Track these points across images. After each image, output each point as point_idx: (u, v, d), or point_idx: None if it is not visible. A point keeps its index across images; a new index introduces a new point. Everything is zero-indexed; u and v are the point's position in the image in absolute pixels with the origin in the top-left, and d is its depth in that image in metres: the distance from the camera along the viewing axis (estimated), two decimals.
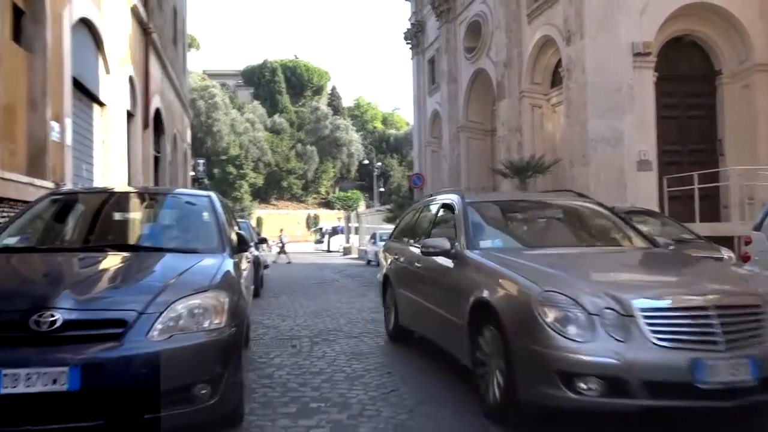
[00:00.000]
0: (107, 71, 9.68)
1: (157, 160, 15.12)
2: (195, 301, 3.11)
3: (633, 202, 10.74)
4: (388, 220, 22.36)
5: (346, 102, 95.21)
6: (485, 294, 3.83)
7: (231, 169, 70.14)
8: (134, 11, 11.43)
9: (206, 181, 68.70)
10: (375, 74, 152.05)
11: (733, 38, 12.74)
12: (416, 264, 5.47)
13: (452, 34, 19.36)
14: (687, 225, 8.81)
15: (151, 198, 5.35)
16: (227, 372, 3.10)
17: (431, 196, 7.04)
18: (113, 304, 3.02)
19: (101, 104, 9.66)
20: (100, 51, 9.41)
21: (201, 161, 28.93)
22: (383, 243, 23.80)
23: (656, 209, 10.98)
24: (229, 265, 3.84)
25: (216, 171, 69.97)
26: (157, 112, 14.31)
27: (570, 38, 12.23)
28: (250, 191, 72.13)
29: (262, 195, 75.49)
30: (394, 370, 5.18)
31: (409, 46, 23.85)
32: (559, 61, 13.88)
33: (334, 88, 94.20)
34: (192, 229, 4.70)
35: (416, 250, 5.42)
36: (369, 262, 26.26)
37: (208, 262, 3.74)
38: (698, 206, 11.27)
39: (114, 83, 9.96)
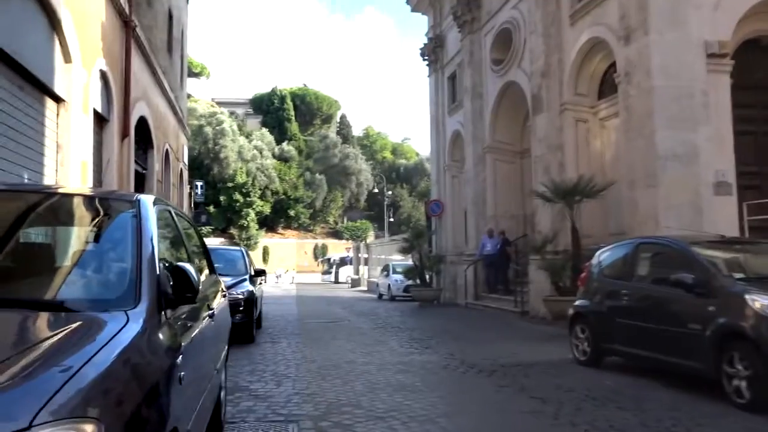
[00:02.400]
0: (67, 59, 7.76)
1: (142, 176, 13.14)
2: None
3: (711, 231, 8.61)
4: (404, 251, 20.25)
5: (356, 131, 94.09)
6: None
7: (238, 196, 68.41)
8: None
9: (211, 208, 67.16)
10: (384, 104, 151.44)
11: None
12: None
13: (477, 45, 17.52)
14: None
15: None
16: None
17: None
18: None
19: (57, 99, 7.72)
20: (57, 33, 7.50)
21: (199, 183, 26.96)
22: (397, 276, 21.80)
23: None
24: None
25: (222, 198, 68.29)
26: (142, 121, 12.39)
27: (629, 36, 10.26)
28: (256, 219, 70.29)
29: (269, 223, 73.62)
30: None
31: (426, 62, 22.06)
32: (610, 67, 11.92)
33: (343, 116, 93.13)
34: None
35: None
36: (381, 296, 24.12)
37: None
38: None
39: (77, 76, 8.04)
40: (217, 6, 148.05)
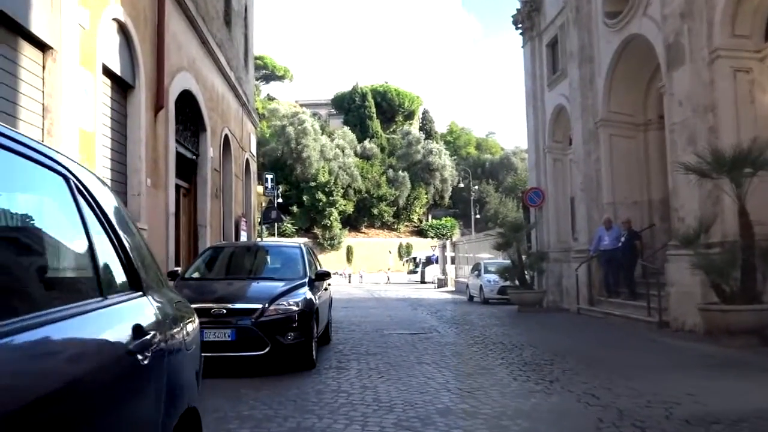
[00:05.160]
0: None
1: (191, 162, 11.25)
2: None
3: None
4: (499, 247, 17.52)
5: (439, 127, 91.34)
6: None
7: (320, 195, 67.56)
8: None
9: (294, 208, 66.48)
10: (468, 99, 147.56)
11: None
12: None
13: None
14: None
15: None
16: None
17: None
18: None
19: (41, 47, 5.75)
20: None
21: (269, 176, 25.01)
22: (490, 276, 19.09)
23: None
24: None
25: (305, 198, 67.64)
26: (189, 97, 10.48)
27: None
28: (339, 219, 69.15)
29: (352, 223, 72.35)
30: None
31: (520, 31, 19.21)
32: None
33: (426, 112, 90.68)
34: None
35: None
36: (471, 298, 21.47)
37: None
38: None
39: (71, 17, 6.05)
40: (299, 8, 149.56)
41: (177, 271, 7.82)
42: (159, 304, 2.05)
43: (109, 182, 7.32)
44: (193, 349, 2.39)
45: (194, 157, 11.30)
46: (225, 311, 6.36)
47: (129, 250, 1.94)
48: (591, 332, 10.95)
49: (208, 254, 8.43)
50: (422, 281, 42.16)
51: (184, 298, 6.51)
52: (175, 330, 2.13)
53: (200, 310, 6.49)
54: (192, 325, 2.52)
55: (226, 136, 13.63)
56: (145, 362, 1.67)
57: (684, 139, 10.22)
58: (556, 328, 11.77)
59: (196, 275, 7.76)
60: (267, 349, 6.35)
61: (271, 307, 6.54)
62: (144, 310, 1.88)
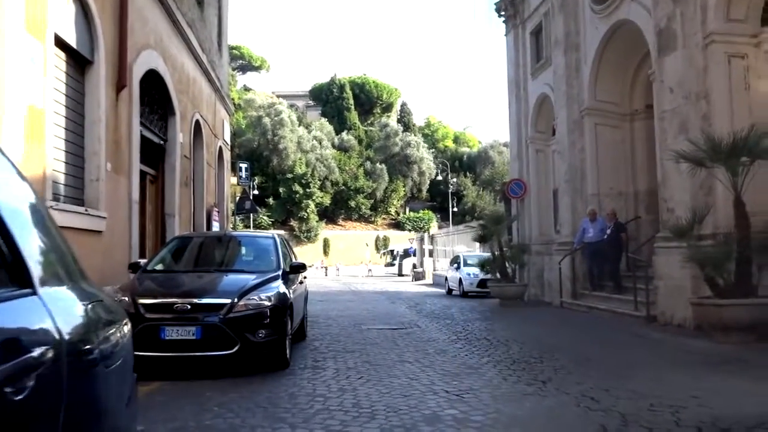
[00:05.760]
0: None
1: (159, 147, 10.59)
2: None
3: None
4: (480, 240, 17.09)
5: (417, 120, 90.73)
6: None
7: (297, 187, 66.65)
8: None
9: (270, 200, 65.52)
10: (444, 93, 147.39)
11: None
12: None
13: None
14: None
15: None
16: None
17: None
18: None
19: None
20: None
21: (244, 165, 24.18)
22: (469, 269, 18.70)
23: None
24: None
25: (281, 190, 66.66)
26: (156, 78, 9.81)
27: None
28: (316, 211, 68.35)
29: (329, 215, 71.58)
30: None
31: (503, 18, 18.76)
32: None
33: (404, 104, 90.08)
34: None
35: None
36: (450, 291, 21.06)
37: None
38: None
39: None
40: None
41: (139, 263, 7.22)
42: (60, 306, 1.49)
43: (62, 165, 6.69)
44: (117, 366, 1.82)
45: (162, 142, 10.63)
46: (189, 306, 5.80)
47: (13, 237, 1.37)
48: (577, 327, 10.58)
49: (174, 245, 7.82)
50: (399, 274, 41.82)
51: (145, 291, 5.96)
52: (88, 341, 1.58)
53: (162, 306, 5.94)
54: (120, 333, 1.96)
55: (197, 121, 12.95)
56: (20, 397, 1.12)
57: (675, 127, 9.85)
58: (540, 323, 11.38)
59: (159, 267, 7.16)
60: (236, 348, 5.80)
61: (241, 302, 5.99)
62: (28, 314, 1.34)
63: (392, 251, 49.83)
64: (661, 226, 10.47)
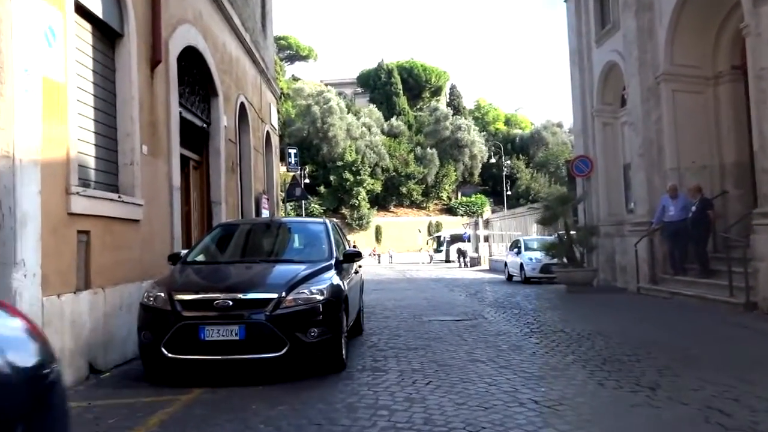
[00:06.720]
0: None
1: (202, 131, 9.98)
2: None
3: None
4: (544, 222, 15.96)
5: (466, 103, 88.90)
6: None
7: (348, 175, 66.28)
8: None
9: (322, 188, 65.31)
10: (494, 75, 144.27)
11: None
12: None
13: None
14: None
15: None
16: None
17: None
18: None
19: None
20: None
21: (293, 151, 23.56)
22: (531, 253, 17.61)
23: None
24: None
25: (332, 178, 66.41)
26: (194, 55, 9.15)
27: None
28: (367, 198, 67.85)
29: (380, 202, 70.97)
30: None
31: None
32: None
33: (453, 87, 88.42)
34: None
35: None
36: (510, 277, 20.00)
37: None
38: None
39: None
40: None
41: (179, 253, 6.56)
42: None
43: (92, 148, 6.07)
44: None
45: (205, 125, 10.00)
46: (232, 303, 5.07)
47: None
48: (664, 316, 9.44)
49: (218, 233, 7.14)
50: (447, 260, 40.87)
51: (183, 286, 5.24)
52: None
53: (202, 302, 5.22)
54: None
55: (242, 104, 12.31)
56: None
57: None
58: (619, 312, 10.30)
59: (201, 258, 6.49)
60: (285, 350, 5.05)
61: (290, 297, 5.23)
62: None
63: (439, 237, 48.94)
64: (760, 200, 9.20)
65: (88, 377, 5.43)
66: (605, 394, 4.67)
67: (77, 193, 5.31)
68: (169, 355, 5.02)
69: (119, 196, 6.22)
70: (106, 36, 6.46)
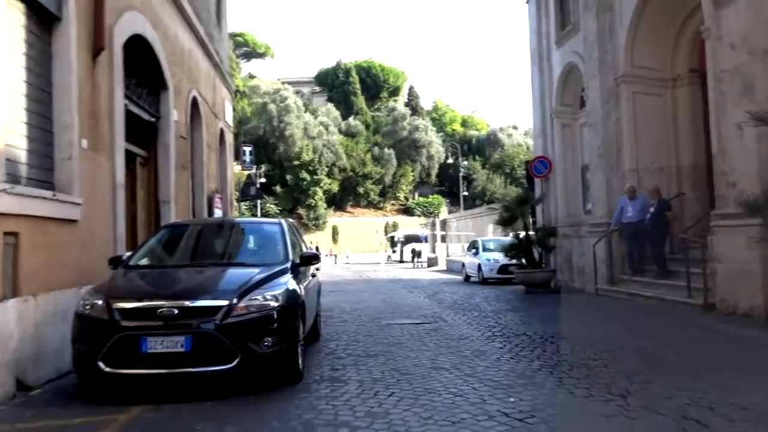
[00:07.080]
0: None
1: (150, 126, 9.43)
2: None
3: None
4: (504, 222, 15.83)
5: (424, 104, 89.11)
6: None
7: (304, 174, 65.52)
8: None
9: (278, 188, 64.36)
10: (451, 77, 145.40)
11: None
12: None
13: None
14: None
15: None
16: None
17: None
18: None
19: None
20: None
21: (248, 149, 22.99)
22: (488, 254, 17.51)
23: None
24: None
25: (288, 177, 65.53)
26: (141, 44, 8.61)
27: None
28: (324, 198, 67.23)
29: (337, 202, 70.43)
30: None
31: None
32: None
33: (411, 88, 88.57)
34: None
35: None
36: (468, 277, 19.88)
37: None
38: None
39: None
40: None
41: (121, 257, 6.07)
42: None
43: (24, 141, 5.53)
44: None
45: (153, 119, 9.45)
46: (177, 311, 4.64)
47: None
48: (625, 318, 9.39)
49: (164, 234, 6.66)
50: (401, 260, 40.88)
51: (123, 293, 4.77)
52: None
53: (144, 311, 4.75)
54: None
55: (194, 99, 11.77)
56: None
57: (737, 88, 8.57)
58: (579, 314, 10.22)
59: (145, 262, 6.01)
60: (236, 362, 4.65)
61: (241, 304, 4.84)
62: None
63: (392, 238, 49.05)
64: (718, 202, 9.22)
65: (14, 395, 4.90)
66: (575, 403, 4.45)
67: (4, 190, 4.80)
68: (107, 369, 4.56)
69: (54, 194, 5.70)
70: (42, 19, 5.93)
